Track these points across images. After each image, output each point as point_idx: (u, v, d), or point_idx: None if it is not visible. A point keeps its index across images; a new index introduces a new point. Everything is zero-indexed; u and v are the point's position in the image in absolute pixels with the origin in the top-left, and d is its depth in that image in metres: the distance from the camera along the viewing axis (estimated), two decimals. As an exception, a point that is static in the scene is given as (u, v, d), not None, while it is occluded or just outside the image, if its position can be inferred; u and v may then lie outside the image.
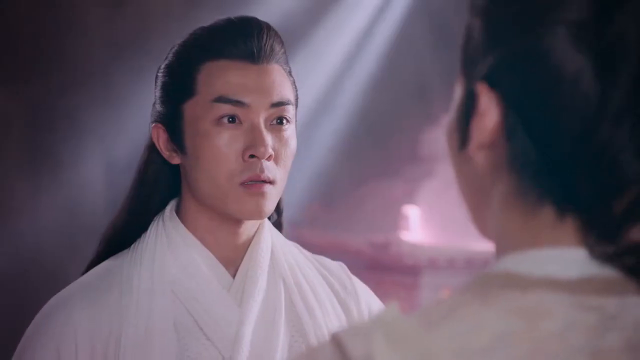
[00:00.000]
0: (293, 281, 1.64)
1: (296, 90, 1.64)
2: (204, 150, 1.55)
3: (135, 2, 5.26)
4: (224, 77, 1.55)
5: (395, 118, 6.03)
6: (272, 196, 1.57)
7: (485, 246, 4.85)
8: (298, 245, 1.74)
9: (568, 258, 0.78)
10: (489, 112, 0.80)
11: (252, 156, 1.54)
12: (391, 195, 5.32)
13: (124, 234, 1.65)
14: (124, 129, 4.95)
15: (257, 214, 1.56)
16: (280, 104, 1.57)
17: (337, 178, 6.03)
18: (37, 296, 4.73)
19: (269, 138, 1.55)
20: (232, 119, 1.54)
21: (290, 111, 1.59)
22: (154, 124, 1.62)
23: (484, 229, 0.86)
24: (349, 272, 1.74)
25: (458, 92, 0.86)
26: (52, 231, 4.84)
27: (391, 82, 5.99)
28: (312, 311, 1.63)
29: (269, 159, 1.55)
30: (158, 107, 1.62)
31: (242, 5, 5.45)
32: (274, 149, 1.56)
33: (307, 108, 6.04)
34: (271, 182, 1.56)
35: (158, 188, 1.65)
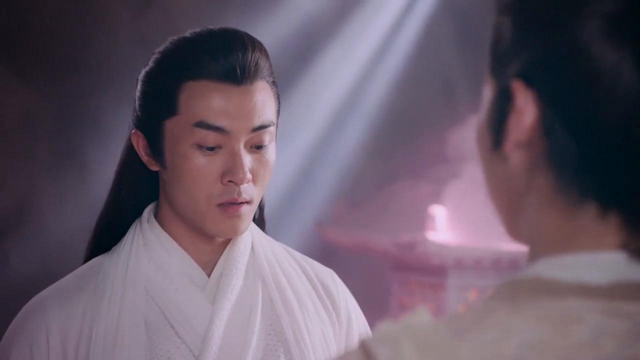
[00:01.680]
0: (273, 281, 1.64)
1: (278, 101, 1.61)
2: (183, 171, 1.55)
3: (162, 2, 5.28)
4: (205, 100, 1.53)
5: (421, 118, 6.01)
6: (248, 216, 1.58)
7: (512, 246, 4.83)
8: (286, 247, 1.74)
9: (602, 263, 0.77)
10: (526, 110, 0.79)
11: (230, 181, 1.54)
12: (417, 195, 5.30)
13: (109, 233, 1.66)
14: (150, 128, 4.97)
15: (233, 233, 1.58)
16: (262, 127, 1.56)
17: (363, 178, 6.02)
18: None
19: (247, 162, 1.55)
20: (213, 145, 1.54)
21: (270, 133, 1.58)
22: (134, 131, 1.61)
23: (516, 232, 0.84)
24: (337, 278, 1.74)
25: (487, 92, 0.84)
26: (79, 231, 4.85)
27: (417, 82, 5.98)
28: (291, 312, 1.63)
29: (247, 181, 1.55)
30: (139, 115, 1.61)
31: (267, 5, 5.46)
32: (252, 171, 1.56)
33: (334, 107, 6.04)
34: (248, 203, 1.57)
35: (138, 190, 1.65)
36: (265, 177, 1.58)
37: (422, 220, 4.99)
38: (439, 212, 4.97)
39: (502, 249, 4.86)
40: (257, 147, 1.56)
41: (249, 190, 1.56)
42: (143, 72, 1.61)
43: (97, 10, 5.03)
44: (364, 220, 5.42)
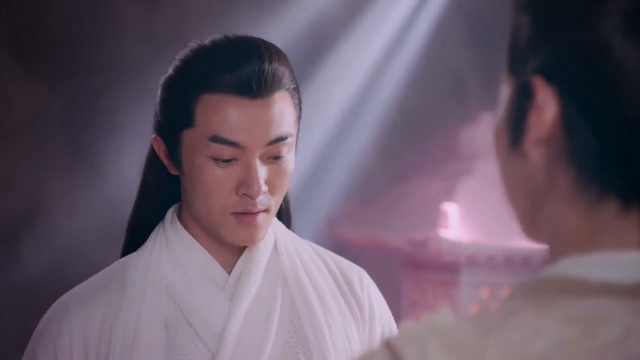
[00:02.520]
0: (294, 279, 1.64)
1: (300, 107, 1.60)
2: (199, 182, 1.55)
3: (172, 1, 5.28)
4: (220, 114, 1.53)
5: (433, 115, 6.01)
6: (265, 225, 1.58)
7: (524, 243, 4.82)
8: (312, 244, 1.74)
9: (627, 262, 0.76)
10: (548, 106, 0.79)
11: (245, 194, 1.54)
12: (430, 193, 5.30)
13: (137, 234, 1.68)
14: (162, 127, 4.98)
15: (250, 242, 1.59)
16: (279, 139, 1.55)
17: (375, 175, 6.02)
18: (76, 294, 4.76)
19: (263, 174, 1.54)
20: (228, 159, 1.54)
21: (288, 144, 1.56)
22: (154, 136, 1.62)
23: (534, 232, 0.84)
24: (364, 276, 1.72)
25: (505, 91, 0.84)
26: (90, 229, 4.87)
27: (429, 80, 5.98)
28: (312, 310, 1.62)
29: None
30: (159, 118, 1.61)
31: (277, 4, 5.45)
32: (268, 182, 1.55)
33: (345, 107, 6.04)
34: (265, 212, 1.57)
35: (162, 191, 1.66)
36: (283, 186, 1.58)
37: (434, 218, 4.98)
38: (451, 210, 4.97)
39: (515, 246, 4.85)
40: (274, 158, 1.56)
41: (264, 201, 1.56)
42: (163, 79, 1.61)
43: (107, 8, 5.04)
44: (376, 218, 5.42)
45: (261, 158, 1.55)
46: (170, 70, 1.60)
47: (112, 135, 4.98)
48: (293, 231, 1.73)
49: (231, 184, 1.55)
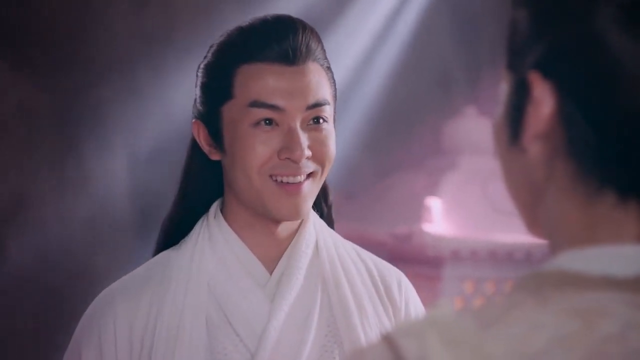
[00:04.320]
0: (333, 282, 1.63)
1: (335, 86, 1.62)
2: (239, 149, 1.55)
3: (158, -5, 5.28)
4: (259, 81, 1.55)
5: (417, 110, 6.02)
6: (310, 195, 1.57)
7: (508, 238, 4.85)
8: (355, 246, 1.73)
9: (626, 255, 0.77)
10: (544, 101, 0.79)
11: (288, 158, 1.54)
12: (414, 187, 5.31)
13: (178, 227, 1.67)
14: (148, 121, 4.97)
15: (295, 214, 1.57)
16: (317, 105, 1.56)
17: (359, 169, 6.03)
18: (62, 288, 4.75)
19: (304, 140, 1.55)
20: (269, 121, 1.55)
21: (327, 111, 1.58)
22: (194, 120, 1.63)
23: (535, 226, 0.84)
24: (404, 281, 1.71)
25: (504, 87, 0.85)
26: (77, 223, 4.87)
27: (413, 74, 5.99)
28: (348, 314, 1.61)
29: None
30: (199, 106, 1.63)
31: (265, -2, 5.46)
32: (311, 149, 1.56)
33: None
34: (310, 177, 1.56)
35: (204, 184, 1.66)
36: (325, 154, 1.57)
37: (419, 212, 5.00)
38: (435, 204, 4.98)
39: (498, 240, 4.87)
40: (314, 123, 1.56)
41: (308, 165, 1.55)
42: (201, 65, 1.64)
43: (96, 3, 5.04)
44: (360, 212, 5.43)
45: (302, 125, 1.55)
46: (207, 55, 1.63)
47: (99, 129, 4.97)
48: None
49: (272, 147, 1.55)
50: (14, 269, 4.67)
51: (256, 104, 1.55)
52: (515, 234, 4.79)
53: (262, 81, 1.55)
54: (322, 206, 1.72)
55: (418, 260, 5.02)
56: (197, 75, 1.64)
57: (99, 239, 4.82)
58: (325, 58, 1.62)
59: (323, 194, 1.72)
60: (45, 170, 4.97)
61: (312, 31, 1.61)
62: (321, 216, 1.71)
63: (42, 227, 4.83)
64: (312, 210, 1.66)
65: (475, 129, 5.19)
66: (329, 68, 1.62)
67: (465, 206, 5.03)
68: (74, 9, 4.99)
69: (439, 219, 5.05)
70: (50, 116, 5.00)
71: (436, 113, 5.78)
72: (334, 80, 1.63)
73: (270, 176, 1.55)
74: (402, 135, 6.01)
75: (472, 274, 5.01)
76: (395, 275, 1.71)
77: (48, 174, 4.96)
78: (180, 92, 4.80)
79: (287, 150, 1.54)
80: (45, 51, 4.97)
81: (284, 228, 1.62)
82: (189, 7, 5.07)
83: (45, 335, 4.52)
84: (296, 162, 1.54)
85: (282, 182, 1.55)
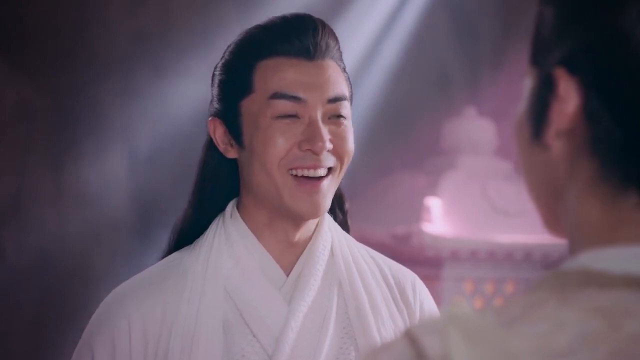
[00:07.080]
0: (349, 285, 1.62)
1: (351, 87, 1.62)
2: (260, 142, 1.55)
3: (157, -6, 5.27)
4: (279, 73, 1.55)
5: (417, 109, 6.02)
6: (329, 192, 1.56)
7: (507, 238, 4.84)
8: (369, 249, 1.72)
9: None
10: (570, 97, 0.79)
11: (309, 149, 1.54)
12: (413, 187, 5.31)
13: (192, 227, 1.66)
14: (146, 121, 4.97)
15: (314, 211, 1.56)
16: (337, 99, 1.57)
17: (359, 169, 6.02)
18: (60, 287, 4.74)
19: (326, 132, 1.54)
20: (290, 114, 1.54)
21: (346, 107, 1.58)
22: (210, 118, 1.62)
23: (555, 225, 0.84)
24: (418, 284, 1.71)
25: (528, 83, 0.84)
26: (75, 223, 4.86)
27: (413, 73, 5.98)
28: (364, 318, 1.61)
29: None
30: (215, 104, 1.63)
31: (264, -2, 5.45)
32: (332, 143, 1.55)
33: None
34: (329, 170, 1.55)
35: (219, 184, 1.65)
36: (344, 149, 1.57)
37: (418, 212, 4.99)
38: (434, 204, 4.98)
39: (498, 240, 4.87)
40: (335, 118, 1.56)
41: (328, 158, 1.55)
42: (219, 64, 1.63)
43: (95, 3, 5.03)
44: (359, 212, 5.43)
45: (322, 119, 1.55)
46: (224, 55, 1.63)
47: (98, 129, 4.97)
48: None
49: (293, 139, 1.54)
50: (11, 269, 4.66)
51: (277, 95, 1.55)
52: (515, 234, 4.79)
53: (283, 73, 1.55)
54: (337, 212, 1.71)
55: (417, 260, 5.02)
56: (213, 75, 1.64)
57: (98, 239, 4.81)
58: (342, 60, 1.62)
59: (338, 201, 1.72)
60: (45, 170, 4.97)
61: (331, 31, 1.61)
62: (339, 223, 1.70)
63: (41, 227, 4.83)
64: (326, 213, 1.65)
65: (475, 129, 5.19)
66: (344, 69, 1.63)
67: (464, 206, 5.02)
68: (73, 9, 4.98)
69: (439, 219, 5.04)
70: (50, 116, 5.00)
71: (436, 113, 5.78)
72: (350, 83, 1.63)
73: (290, 170, 1.55)
74: (402, 135, 6.01)
75: (471, 274, 5.01)
76: (409, 278, 1.70)
77: (47, 174, 4.96)
78: (179, 92, 4.80)
79: (309, 142, 1.53)
80: (44, 51, 4.97)
81: (301, 229, 1.61)
82: (187, 8, 5.07)
83: (44, 335, 4.51)
84: (317, 153, 1.53)
85: (302, 176, 1.55)
